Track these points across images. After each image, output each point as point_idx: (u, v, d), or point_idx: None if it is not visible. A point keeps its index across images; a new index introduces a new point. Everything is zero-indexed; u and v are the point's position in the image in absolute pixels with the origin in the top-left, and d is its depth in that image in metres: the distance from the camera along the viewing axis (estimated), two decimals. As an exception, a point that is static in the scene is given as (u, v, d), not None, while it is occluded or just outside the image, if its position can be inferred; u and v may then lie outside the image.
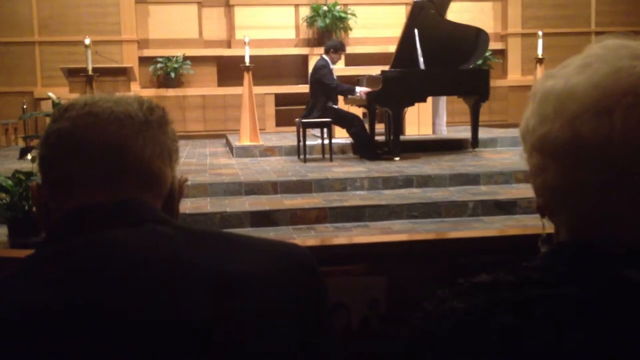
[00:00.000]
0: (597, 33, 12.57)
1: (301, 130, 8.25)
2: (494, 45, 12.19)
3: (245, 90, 9.21)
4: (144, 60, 12.45)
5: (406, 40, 8.31)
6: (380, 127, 9.16)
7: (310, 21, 12.82)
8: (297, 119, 8.47)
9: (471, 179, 7.12)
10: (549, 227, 0.88)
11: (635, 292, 0.75)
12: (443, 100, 10.29)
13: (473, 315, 0.77)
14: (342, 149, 8.91)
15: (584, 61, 0.82)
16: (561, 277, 0.78)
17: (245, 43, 9.27)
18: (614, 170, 0.76)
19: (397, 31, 9.19)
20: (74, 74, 9.12)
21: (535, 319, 0.75)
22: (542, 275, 0.79)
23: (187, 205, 6.13)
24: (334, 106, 8.43)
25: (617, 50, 0.81)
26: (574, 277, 0.78)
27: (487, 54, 11.50)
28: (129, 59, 12.12)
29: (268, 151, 9.05)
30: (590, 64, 0.80)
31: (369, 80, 8.60)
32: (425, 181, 7.03)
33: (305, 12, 12.95)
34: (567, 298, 0.76)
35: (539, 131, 0.82)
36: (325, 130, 8.36)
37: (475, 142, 8.82)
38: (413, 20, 8.31)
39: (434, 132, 10.24)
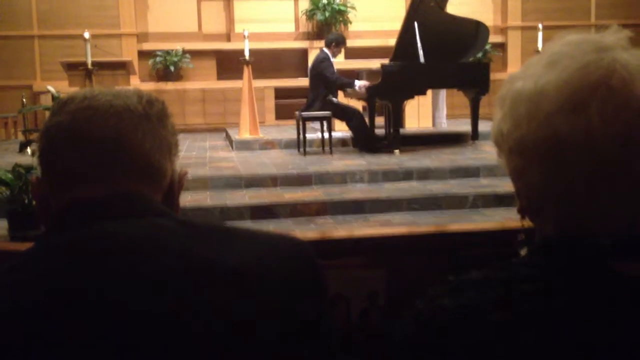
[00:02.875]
0: (597, 26, 12.54)
1: (301, 123, 8.24)
2: (493, 38, 12.15)
3: (245, 83, 9.20)
4: (143, 54, 12.42)
5: (406, 33, 8.30)
6: (380, 120, 9.15)
7: (310, 14, 12.78)
8: (297, 112, 8.46)
9: (471, 172, 7.12)
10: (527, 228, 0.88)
11: (624, 284, 0.75)
12: (443, 93, 10.28)
13: (464, 312, 0.78)
14: (342, 142, 8.90)
15: (550, 59, 0.82)
16: (549, 271, 0.79)
17: (244, 36, 9.25)
18: (597, 163, 0.76)
19: (397, 24, 9.16)
20: (73, 68, 9.10)
21: (525, 315, 0.75)
22: (531, 270, 0.80)
23: (187, 199, 6.14)
24: (334, 99, 8.42)
25: (581, 45, 0.81)
26: (562, 271, 0.78)
27: (487, 47, 11.47)
28: (128, 52, 12.10)
29: (268, 144, 9.05)
30: (557, 61, 0.81)
31: (369, 73, 8.59)
32: (425, 174, 7.03)
33: (304, 5, 12.91)
34: (556, 292, 0.76)
35: (515, 134, 0.82)
36: (325, 123, 8.35)
37: (475, 135, 8.81)
38: (413, 13, 8.29)
39: (433, 125, 10.23)
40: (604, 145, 0.75)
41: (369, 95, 8.25)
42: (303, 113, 8.23)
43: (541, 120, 0.78)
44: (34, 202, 4.90)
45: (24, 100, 11.10)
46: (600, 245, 0.77)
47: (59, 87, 8.09)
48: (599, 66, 0.77)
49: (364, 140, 8.43)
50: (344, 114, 8.38)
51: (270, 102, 12.46)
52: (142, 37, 12.60)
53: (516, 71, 0.87)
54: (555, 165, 0.78)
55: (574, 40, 0.83)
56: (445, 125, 10.29)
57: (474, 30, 8.71)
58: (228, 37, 12.92)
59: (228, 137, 10.08)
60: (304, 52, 12.85)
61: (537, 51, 9.88)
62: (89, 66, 8.08)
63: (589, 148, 0.76)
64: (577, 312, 0.75)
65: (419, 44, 8.17)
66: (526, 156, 0.81)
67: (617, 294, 0.75)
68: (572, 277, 0.77)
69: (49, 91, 6.40)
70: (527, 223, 0.87)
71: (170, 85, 12.28)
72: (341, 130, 9.07)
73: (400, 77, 7.97)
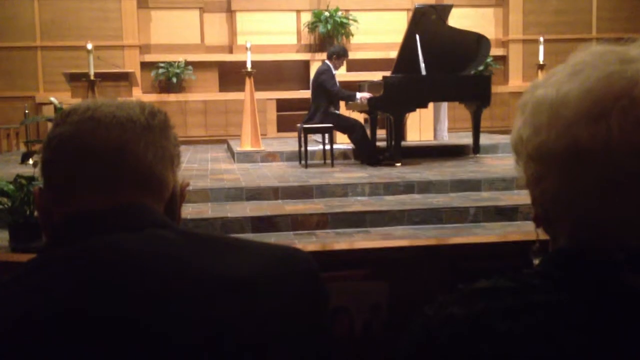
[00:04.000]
0: (598, 39, 12.60)
1: (302, 135, 8.26)
2: (495, 51, 12.20)
3: (247, 95, 9.22)
4: (145, 66, 12.48)
5: (407, 46, 8.32)
6: (381, 133, 9.17)
7: (312, 27, 12.85)
8: (298, 125, 8.48)
9: (472, 185, 7.12)
10: (543, 238, 0.88)
11: (633, 299, 0.75)
12: (444, 106, 10.30)
13: (473, 321, 0.77)
14: (344, 155, 8.91)
15: (573, 69, 0.82)
16: (560, 283, 0.78)
17: (247, 48, 9.30)
18: (615, 173, 0.76)
19: (398, 37, 9.20)
20: (76, 79, 9.14)
21: (534, 325, 0.75)
22: (542, 281, 0.79)
23: (189, 211, 6.14)
24: (336, 112, 8.44)
25: (605, 56, 0.81)
26: (573, 283, 0.78)
27: (488, 60, 11.51)
28: (131, 64, 12.15)
29: (269, 156, 9.06)
30: (580, 70, 0.81)
31: (371, 86, 8.61)
32: (426, 187, 7.03)
33: (306, 17, 12.98)
34: (566, 304, 0.76)
35: (535, 141, 0.82)
36: (326, 135, 8.37)
37: (476, 148, 8.82)
38: (414, 26, 8.32)
39: (435, 137, 10.25)
40: (622, 156, 0.75)
41: (371, 108, 8.26)
42: (304, 125, 8.24)
43: (561, 128, 0.78)
44: (35, 214, 4.88)
45: (27, 111, 11.14)
46: (613, 259, 0.77)
47: (61, 98, 8.12)
48: (622, 77, 0.77)
49: (366, 153, 8.44)
50: (346, 126, 8.40)
51: (272, 114, 12.50)
52: (145, 48, 12.66)
53: (539, 79, 0.87)
54: (573, 174, 0.78)
55: (599, 50, 0.83)
56: (447, 137, 10.31)
57: (476, 43, 8.73)
58: (230, 49, 12.98)
59: (229, 148, 10.10)
60: (306, 64, 12.90)
61: (539, 64, 9.93)
62: (92, 77, 8.11)
63: (607, 158, 0.76)
64: (588, 326, 0.74)
65: (421, 57, 8.20)
66: (544, 163, 0.81)
67: (629, 309, 0.75)
68: (584, 290, 0.77)
69: (51, 102, 6.41)
70: (542, 232, 0.87)
71: (172, 97, 12.32)
72: (343, 142, 9.09)
73: (402, 89, 7.99)
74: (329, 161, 8.36)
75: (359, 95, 8.27)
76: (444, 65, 8.34)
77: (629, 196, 0.76)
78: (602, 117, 0.76)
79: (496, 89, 9.65)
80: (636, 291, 0.75)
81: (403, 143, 8.60)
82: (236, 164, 8.89)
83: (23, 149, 9.95)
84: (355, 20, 12.82)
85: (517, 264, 0.90)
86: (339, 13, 12.72)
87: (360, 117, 9.06)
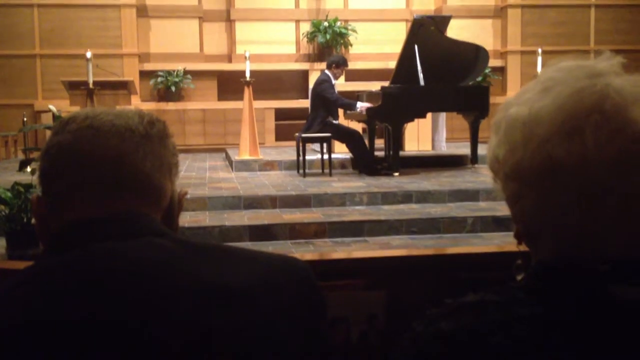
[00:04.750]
0: (596, 51, 12.63)
1: (301, 145, 8.27)
2: (493, 62, 12.22)
3: (246, 104, 9.24)
4: (144, 74, 12.49)
5: (406, 56, 8.35)
6: (379, 143, 9.19)
7: (311, 37, 12.88)
8: (296, 134, 8.49)
9: (470, 195, 7.12)
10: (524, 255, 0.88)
11: (619, 309, 0.75)
12: (442, 116, 10.32)
13: (461, 336, 0.77)
14: (342, 164, 8.92)
15: (543, 85, 0.82)
16: (546, 296, 0.79)
17: (245, 58, 9.32)
18: (592, 187, 0.76)
19: (397, 47, 9.23)
20: (74, 87, 9.15)
21: (521, 339, 0.75)
22: (528, 295, 0.80)
23: (186, 219, 6.13)
24: (334, 121, 8.45)
25: (574, 71, 0.82)
26: (559, 296, 0.78)
27: (486, 70, 11.53)
28: (129, 72, 12.16)
29: (267, 165, 9.06)
30: (550, 87, 0.81)
31: (369, 96, 8.63)
32: (424, 197, 7.03)
33: (305, 27, 13.01)
34: (551, 316, 0.76)
35: (511, 160, 0.82)
36: (325, 145, 8.38)
37: (474, 158, 8.83)
38: (413, 37, 8.35)
39: (433, 148, 10.26)
40: (598, 170, 0.76)
41: (369, 117, 8.28)
42: (303, 134, 8.25)
43: (536, 146, 0.79)
44: (32, 221, 4.87)
45: (25, 119, 11.14)
46: (596, 270, 0.77)
47: (60, 106, 8.12)
48: (592, 92, 0.78)
49: (364, 162, 8.45)
50: (344, 135, 8.41)
51: (271, 123, 12.51)
52: (144, 57, 12.68)
53: (511, 97, 0.87)
54: (550, 191, 0.79)
55: (567, 66, 0.83)
56: (445, 148, 10.32)
57: (474, 54, 8.76)
58: (229, 58, 13.00)
59: (228, 157, 10.10)
60: (305, 74, 12.93)
61: (536, 75, 9.94)
62: (91, 86, 8.13)
63: (583, 173, 0.76)
64: (575, 337, 0.74)
65: (419, 67, 8.22)
66: (522, 181, 0.81)
67: (613, 319, 0.75)
68: (569, 302, 0.77)
69: (50, 110, 6.42)
70: (524, 248, 0.87)
71: (171, 105, 12.33)
72: (341, 152, 9.10)
73: (400, 99, 8.00)
74: (327, 170, 8.36)
75: (359, 105, 8.28)
76: (442, 76, 8.37)
77: (606, 209, 0.77)
78: (575, 133, 0.77)
79: (494, 99, 9.64)
80: (621, 301, 0.75)
81: (401, 153, 8.61)
82: (234, 172, 8.89)
83: (21, 156, 9.94)
84: (354, 31, 12.85)
85: (514, 276, 0.90)
86: (338, 23, 12.76)
87: (358, 126, 9.07)
